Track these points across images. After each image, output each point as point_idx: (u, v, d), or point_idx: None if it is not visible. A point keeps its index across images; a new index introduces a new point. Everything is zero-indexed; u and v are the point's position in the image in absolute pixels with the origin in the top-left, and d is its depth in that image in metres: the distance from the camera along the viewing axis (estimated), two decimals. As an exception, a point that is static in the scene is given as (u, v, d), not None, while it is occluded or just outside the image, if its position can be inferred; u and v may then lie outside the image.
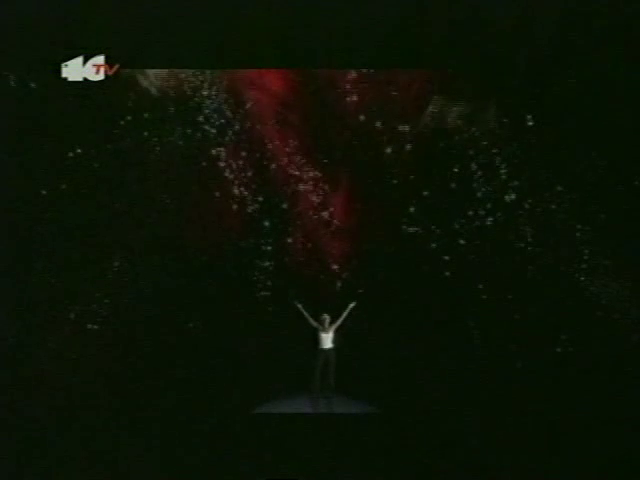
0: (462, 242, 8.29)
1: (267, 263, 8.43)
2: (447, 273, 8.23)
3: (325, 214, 8.57)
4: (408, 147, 8.51)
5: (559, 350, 7.99)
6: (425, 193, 8.43)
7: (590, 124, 8.23)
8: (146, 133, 8.50)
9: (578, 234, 8.14)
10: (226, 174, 8.64)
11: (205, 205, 8.49)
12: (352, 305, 7.42)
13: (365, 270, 8.40)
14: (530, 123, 8.29)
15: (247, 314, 8.28)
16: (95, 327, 8.20)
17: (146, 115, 8.48)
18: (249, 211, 8.56)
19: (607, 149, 8.18)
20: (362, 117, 8.48)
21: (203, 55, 8.38)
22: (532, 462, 7.66)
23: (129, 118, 8.49)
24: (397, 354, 8.13)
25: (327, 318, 7.30)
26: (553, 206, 8.20)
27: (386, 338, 8.15)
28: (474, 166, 8.37)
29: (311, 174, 8.61)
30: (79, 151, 8.51)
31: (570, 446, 7.67)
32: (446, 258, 8.24)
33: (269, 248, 8.53)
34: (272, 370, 8.24)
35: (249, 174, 8.65)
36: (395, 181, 8.55)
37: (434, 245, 8.33)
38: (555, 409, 7.82)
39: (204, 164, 8.59)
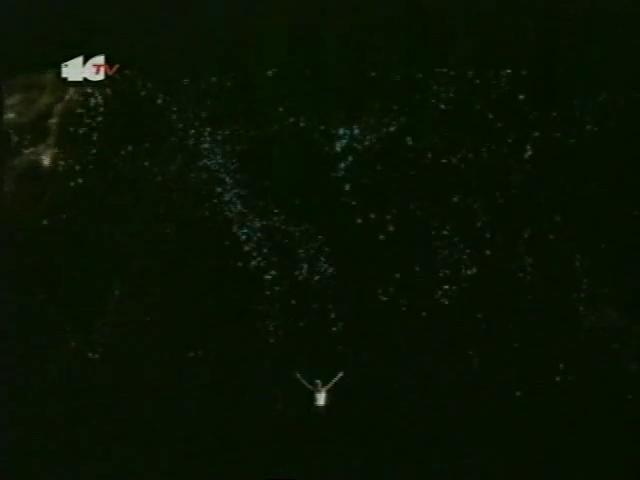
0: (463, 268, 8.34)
1: (268, 292, 8.43)
2: (446, 302, 8.25)
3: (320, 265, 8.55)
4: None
5: (558, 379, 8.01)
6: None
7: (589, 154, 8.29)
8: (147, 163, 8.54)
9: (577, 264, 8.17)
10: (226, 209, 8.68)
11: (206, 236, 8.51)
12: (340, 375, 8.04)
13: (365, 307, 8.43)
14: (529, 153, 8.33)
15: (248, 342, 8.28)
16: (96, 356, 8.22)
17: (147, 145, 8.52)
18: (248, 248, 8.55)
19: (606, 179, 8.24)
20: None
21: (202, 56, 8.45)
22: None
23: (130, 148, 8.54)
24: (398, 381, 8.14)
25: (319, 382, 8.04)
26: (552, 236, 8.24)
27: (387, 365, 8.17)
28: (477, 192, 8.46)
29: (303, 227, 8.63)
30: (80, 181, 8.57)
31: (570, 473, 7.70)
32: (445, 287, 8.26)
33: (272, 274, 8.53)
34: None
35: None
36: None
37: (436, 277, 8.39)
38: (554, 437, 7.84)
39: (204, 194, 8.63)
